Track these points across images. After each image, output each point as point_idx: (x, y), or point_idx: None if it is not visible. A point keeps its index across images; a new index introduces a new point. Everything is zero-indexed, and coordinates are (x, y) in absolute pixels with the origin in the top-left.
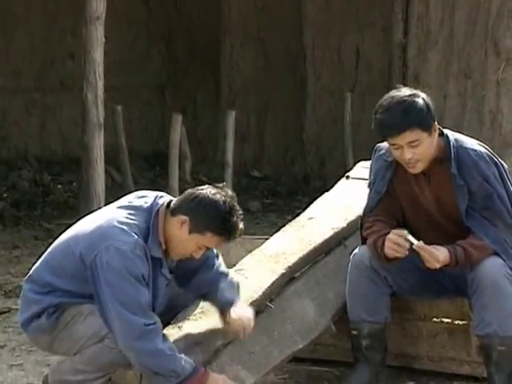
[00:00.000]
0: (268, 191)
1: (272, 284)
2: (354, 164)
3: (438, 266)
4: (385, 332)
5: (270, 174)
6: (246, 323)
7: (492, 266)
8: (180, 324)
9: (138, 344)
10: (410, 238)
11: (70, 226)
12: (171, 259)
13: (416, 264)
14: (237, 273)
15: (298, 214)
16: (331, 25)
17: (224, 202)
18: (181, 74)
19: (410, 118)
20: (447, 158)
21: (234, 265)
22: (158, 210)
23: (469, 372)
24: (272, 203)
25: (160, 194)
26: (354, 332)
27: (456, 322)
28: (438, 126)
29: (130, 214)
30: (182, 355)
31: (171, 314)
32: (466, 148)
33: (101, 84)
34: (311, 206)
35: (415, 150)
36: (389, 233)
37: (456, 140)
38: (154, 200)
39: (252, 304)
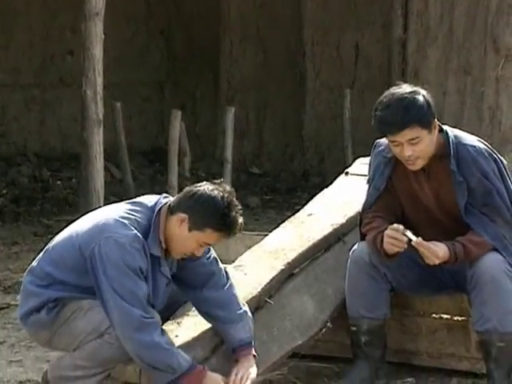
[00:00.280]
0: (267, 187)
1: (271, 280)
2: (354, 160)
3: (437, 261)
4: (384, 328)
5: (270, 170)
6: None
7: (491, 262)
8: (179, 320)
9: (136, 335)
10: (409, 234)
11: (69, 222)
12: (172, 259)
13: (415, 260)
14: (236, 269)
15: (297, 211)
16: (330, 21)
17: (222, 197)
18: (180, 71)
19: (411, 115)
20: (447, 154)
21: (234, 261)
22: (160, 209)
23: (468, 368)
24: (271, 199)
25: (165, 194)
26: (354, 328)
27: (455, 318)
28: (437, 123)
29: (132, 210)
30: (180, 351)
31: (170, 310)
32: (466, 144)
33: (100, 80)
34: (310, 202)
35: (415, 147)
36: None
37: (455, 136)
38: (159, 199)
39: (251, 300)
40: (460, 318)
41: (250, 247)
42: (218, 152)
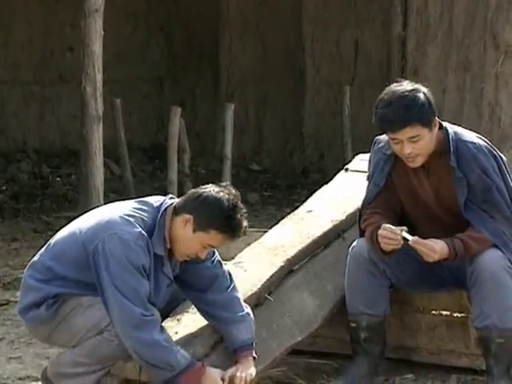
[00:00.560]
0: (267, 184)
1: (271, 277)
2: (353, 157)
3: (436, 257)
4: (383, 324)
5: (269, 166)
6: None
7: (491, 259)
8: (179, 317)
9: (135, 333)
10: (405, 234)
11: (68, 218)
12: (175, 261)
13: (415, 256)
14: (235, 265)
15: (296, 207)
16: (330, 18)
17: (228, 200)
18: (180, 67)
19: (411, 113)
20: (446, 151)
21: (233, 257)
22: (165, 209)
23: (467, 364)
24: (271, 196)
25: (171, 195)
26: (353, 324)
27: (455, 315)
28: (437, 120)
29: (138, 208)
30: (179, 348)
31: (170, 307)
32: (465, 141)
33: (99, 77)
34: (310, 198)
35: (415, 144)
36: None
37: (455, 133)
38: (164, 199)
39: (251, 297)
40: (459, 315)
41: (249, 244)
42: (217, 148)
